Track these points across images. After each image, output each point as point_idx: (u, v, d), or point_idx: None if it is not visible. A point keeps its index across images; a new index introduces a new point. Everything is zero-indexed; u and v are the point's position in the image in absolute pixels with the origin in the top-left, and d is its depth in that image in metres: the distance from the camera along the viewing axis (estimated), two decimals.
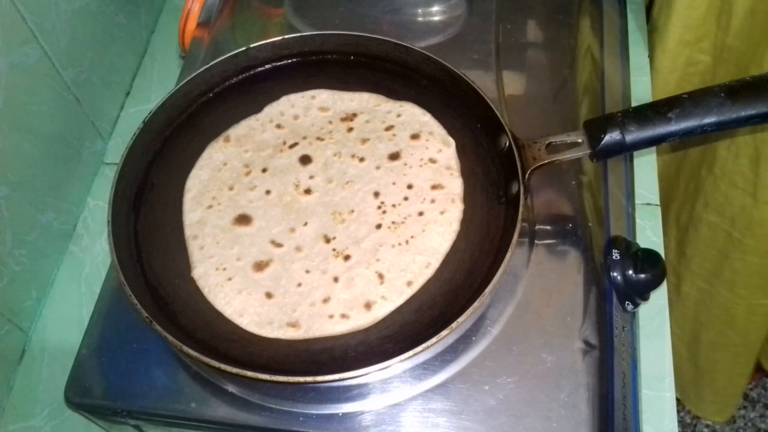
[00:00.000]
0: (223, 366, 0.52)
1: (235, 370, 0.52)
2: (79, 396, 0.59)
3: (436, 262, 0.60)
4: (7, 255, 0.72)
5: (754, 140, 0.82)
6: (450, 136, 0.68)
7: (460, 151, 0.67)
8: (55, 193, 0.80)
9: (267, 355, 0.57)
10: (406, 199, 0.64)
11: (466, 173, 0.65)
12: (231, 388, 0.58)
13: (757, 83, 0.58)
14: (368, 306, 0.58)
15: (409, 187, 0.64)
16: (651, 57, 0.89)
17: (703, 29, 0.85)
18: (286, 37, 0.74)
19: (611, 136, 0.59)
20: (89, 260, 0.81)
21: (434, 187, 0.64)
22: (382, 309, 0.58)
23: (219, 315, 0.59)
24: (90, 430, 0.69)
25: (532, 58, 0.80)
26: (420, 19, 0.84)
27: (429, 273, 0.60)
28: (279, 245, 0.62)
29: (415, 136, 0.68)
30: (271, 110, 0.71)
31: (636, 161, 0.76)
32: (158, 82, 0.95)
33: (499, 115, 0.64)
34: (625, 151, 0.60)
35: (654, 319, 0.72)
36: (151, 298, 0.60)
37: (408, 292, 0.59)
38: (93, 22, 0.84)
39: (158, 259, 0.62)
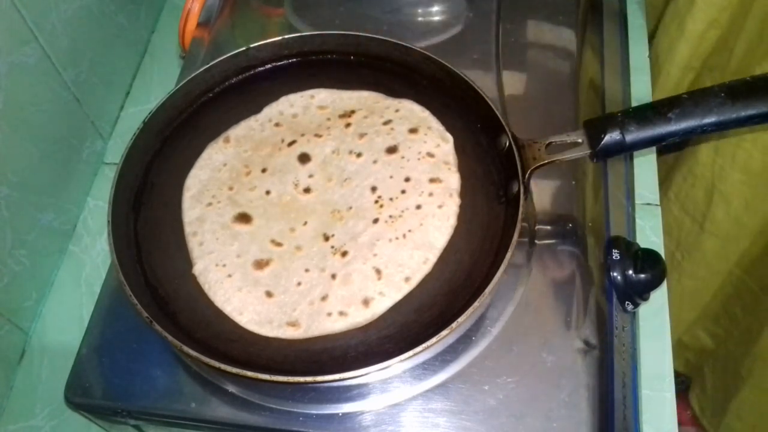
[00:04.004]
0: (223, 366, 0.52)
1: (235, 370, 0.52)
2: (79, 396, 0.59)
3: (433, 258, 0.60)
4: (7, 255, 0.72)
5: (712, 175, 0.85)
6: (448, 132, 0.68)
7: (460, 151, 0.67)
8: (55, 193, 0.80)
9: (267, 355, 0.57)
10: (403, 192, 0.64)
11: (466, 173, 0.65)
12: (231, 388, 0.58)
13: (757, 83, 0.58)
14: (366, 302, 0.58)
15: (407, 180, 0.64)
16: (652, 77, 0.90)
17: (712, 60, 0.86)
18: (286, 37, 0.74)
19: (611, 136, 0.59)
20: (89, 260, 0.81)
21: (432, 181, 0.64)
22: (380, 305, 0.58)
23: (219, 315, 0.59)
24: (90, 430, 0.69)
25: (532, 58, 0.80)
26: (420, 19, 0.84)
27: (427, 269, 0.60)
28: (279, 244, 0.62)
29: (413, 131, 0.67)
30: (270, 110, 0.71)
31: (636, 161, 0.76)
32: (158, 82, 0.95)
33: (499, 115, 0.64)
34: (625, 151, 0.60)
35: (654, 319, 0.72)
36: (151, 298, 0.60)
37: (406, 288, 0.59)
38: (93, 22, 0.84)
39: (158, 258, 0.62)
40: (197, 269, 0.61)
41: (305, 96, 0.72)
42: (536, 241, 0.64)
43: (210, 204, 0.65)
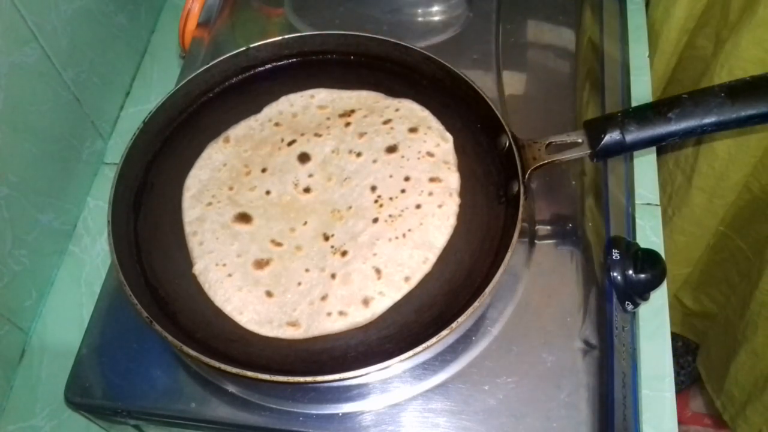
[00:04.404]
0: (223, 366, 0.52)
1: (235, 370, 0.52)
2: (79, 396, 0.59)
3: (433, 257, 0.60)
4: (7, 255, 0.72)
5: None
6: (448, 132, 0.68)
7: (460, 151, 0.67)
8: (55, 193, 0.80)
9: (267, 355, 0.57)
10: (403, 191, 0.64)
11: (466, 173, 0.65)
12: (231, 388, 0.58)
13: (757, 83, 0.58)
14: (366, 302, 0.58)
15: (407, 179, 0.64)
16: (650, 43, 0.93)
17: (705, 18, 0.88)
18: (286, 37, 0.74)
19: (611, 136, 0.59)
20: (89, 260, 0.81)
21: (432, 180, 0.64)
22: (380, 305, 0.58)
23: (219, 315, 0.59)
24: (90, 430, 0.69)
25: (532, 58, 0.80)
26: (420, 19, 0.84)
27: (426, 268, 0.60)
28: (279, 244, 0.62)
29: (413, 130, 0.67)
30: (270, 110, 0.71)
31: (636, 161, 0.76)
32: (158, 82, 0.95)
33: (499, 115, 0.64)
34: (625, 151, 0.60)
35: (654, 319, 0.72)
36: (151, 298, 0.60)
37: (406, 288, 0.59)
38: (93, 22, 0.84)
39: (158, 258, 0.62)
40: (197, 269, 0.61)
41: (305, 96, 0.72)
42: (536, 241, 0.64)
43: (210, 204, 0.65)
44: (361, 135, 0.68)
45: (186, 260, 0.62)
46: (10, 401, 0.73)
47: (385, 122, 0.68)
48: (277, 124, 0.70)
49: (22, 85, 0.71)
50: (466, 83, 0.67)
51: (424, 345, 0.52)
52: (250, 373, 0.52)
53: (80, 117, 0.84)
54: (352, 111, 0.70)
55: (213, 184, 0.66)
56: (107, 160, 0.89)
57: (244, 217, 0.64)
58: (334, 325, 0.57)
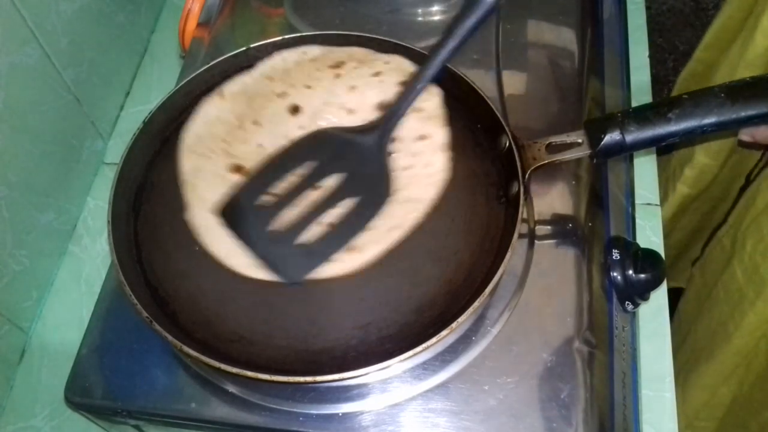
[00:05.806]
0: (223, 366, 0.52)
1: (235, 370, 0.52)
2: (79, 396, 0.59)
3: (422, 208, 0.61)
4: (7, 255, 0.72)
5: None
6: (437, 87, 0.67)
7: (460, 151, 0.67)
8: (55, 193, 0.80)
9: (267, 355, 0.57)
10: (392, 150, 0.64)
11: (466, 173, 0.65)
12: (231, 388, 0.58)
13: (757, 83, 0.58)
14: (355, 249, 0.59)
15: (393, 140, 0.64)
16: None
17: None
18: (286, 37, 0.74)
19: (611, 137, 0.59)
20: (89, 260, 0.81)
21: (420, 138, 0.64)
22: (369, 252, 0.58)
23: (219, 315, 0.59)
24: (90, 430, 0.69)
25: (532, 58, 0.80)
26: (420, 19, 0.84)
27: (415, 217, 0.60)
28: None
29: (402, 84, 0.67)
30: (264, 65, 0.71)
31: (636, 161, 0.76)
32: (158, 82, 0.95)
33: (499, 115, 0.64)
34: (625, 151, 0.60)
35: (654, 319, 0.72)
36: (151, 298, 0.59)
37: (395, 236, 0.59)
38: (93, 22, 0.84)
39: (158, 259, 0.62)
40: (189, 215, 0.61)
41: (297, 51, 0.72)
42: (536, 241, 0.64)
43: (203, 154, 0.65)
44: (352, 88, 0.68)
45: (186, 260, 0.62)
46: (10, 401, 0.73)
47: (375, 74, 0.68)
48: (269, 78, 0.70)
49: (22, 85, 0.72)
50: (466, 83, 0.67)
51: (424, 345, 0.52)
52: (250, 373, 0.52)
53: (80, 117, 0.84)
54: (342, 62, 0.70)
55: (207, 137, 0.66)
56: (107, 160, 0.89)
57: (238, 169, 0.64)
58: (323, 271, 0.58)
